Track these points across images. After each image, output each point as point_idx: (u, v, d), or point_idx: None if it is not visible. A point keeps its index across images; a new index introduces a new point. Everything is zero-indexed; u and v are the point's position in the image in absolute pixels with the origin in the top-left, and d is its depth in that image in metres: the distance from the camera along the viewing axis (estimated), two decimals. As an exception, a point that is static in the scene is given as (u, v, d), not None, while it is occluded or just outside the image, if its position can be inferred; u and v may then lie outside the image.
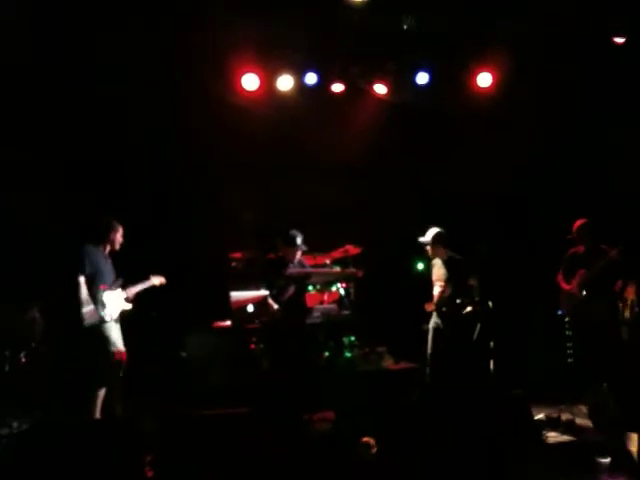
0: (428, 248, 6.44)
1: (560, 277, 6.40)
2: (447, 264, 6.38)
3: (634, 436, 5.05)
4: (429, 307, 6.33)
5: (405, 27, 7.18)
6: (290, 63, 7.51)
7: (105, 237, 5.83)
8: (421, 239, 6.45)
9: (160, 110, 7.25)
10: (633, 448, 5.03)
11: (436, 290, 6.41)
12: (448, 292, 6.31)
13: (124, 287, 5.82)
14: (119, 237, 5.89)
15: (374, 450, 4.81)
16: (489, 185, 7.85)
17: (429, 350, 6.38)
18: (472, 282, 6.28)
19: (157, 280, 6.04)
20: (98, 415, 5.55)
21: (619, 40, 7.52)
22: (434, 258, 6.48)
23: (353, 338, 6.85)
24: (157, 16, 6.51)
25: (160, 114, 7.25)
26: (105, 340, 5.62)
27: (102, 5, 6.32)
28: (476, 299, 6.18)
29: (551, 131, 7.77)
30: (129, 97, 6.99)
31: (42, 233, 6.83)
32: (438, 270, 6.44)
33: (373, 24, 7.15)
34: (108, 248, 5.86)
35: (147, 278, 5.98)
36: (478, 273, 6.36)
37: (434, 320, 6.40)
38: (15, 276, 6.34)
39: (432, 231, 6.43)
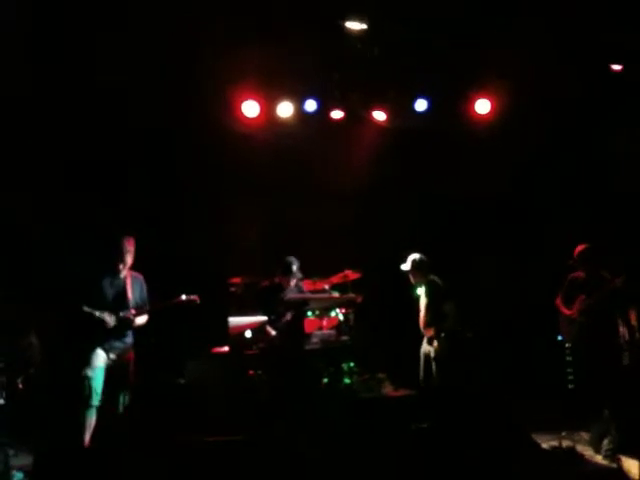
0: (410, 275, 6.57)
1: (559, 302, 6.37)
2: (427, 290, 6.49)
3: (635, 462, 5.01)
4: (429, 332, 6.33)
5: None
6: (290, 90, 7.60)
7: (115, 258, 5.64)
8: (402, 266, 6.60)
9: (161, 134, 7.33)
10: (634, 475, 4.99)
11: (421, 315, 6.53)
12: (427, 317, 6.42)
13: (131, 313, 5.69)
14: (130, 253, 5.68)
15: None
16: (490, 209, 7.90)
17: (421, 377, 6.42)
18: (447, 309, 6.35)
19: (186, 297, 5.80)
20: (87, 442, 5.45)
21: (616, 67, 7.61)
22: (415, 284, 6.61)
23: (352, 364, 6.81)
24: (159, 41, 6.59)
25: (161, 138, 7.31)
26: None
27: (104, 20, 6.38)
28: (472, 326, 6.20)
29: (550, 155, 7.82)
30: (130, 118, 7.07)
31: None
32: (422, 296, 6.57)
33: (372, 52, 7.24)
34: (122, 268, 5.66)
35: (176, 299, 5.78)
36: (453, 299, 6.43)
37: (424, 346, 6.47)
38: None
39: (411, 257, 6.58)
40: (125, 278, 5.72)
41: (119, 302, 5.66)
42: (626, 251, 6.82)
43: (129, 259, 5.71)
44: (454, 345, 6.23)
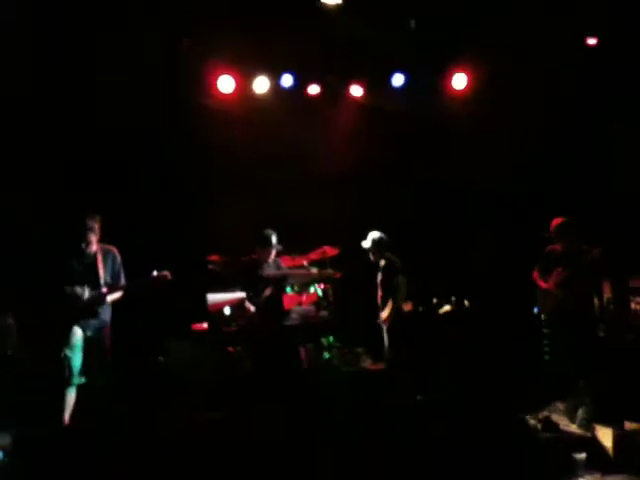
0: (369, 252, 6.68)
1: (536, 275, 6.43)
2: (384, 267, 6.61)
3: (609, 431, 5.12)
4: (407, 307, 6.41)
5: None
6: (266, 65, 7.52)
7: (82, 235, 5.53)
8: (362, 244, 6.69)
9: (136, 112, 7.22)
10: (608, 443, 5.09)
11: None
12: (382, 293, 6.58)
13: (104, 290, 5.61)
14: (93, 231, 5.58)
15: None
16: (466, 185, 7.92)
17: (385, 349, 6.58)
18: (400, 285, 6.50)
19: (157, 273, 5.70)
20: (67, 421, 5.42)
21: (592, 41, 7.64)
22: (375, 261, 6.70)
23: (332, 339, 6.87)
24: (131, 18, 6.49)
25: (136, 116, 7.20)
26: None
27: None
28: (452, 298, 6.27)
29: (529, 131, 7.83)
30: (102, 98, 6.97)
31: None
32: (379, 272, 6.69)
33: (348, 27, 7.18)
34: (85, 246, 5.54)
35: (147, 276, 5.69)
36: (406, 276, 6.56)
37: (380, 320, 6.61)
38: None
39: (371, 236, 6.68)
40: (95, 254, 5.62)
41: (90, 279, 5.57)
42: (600, 224, 6.92)
43: (93, 237, 5.58)
44: (407, 319, 6.34)
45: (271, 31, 6.97)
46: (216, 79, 7.45)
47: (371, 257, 6.71)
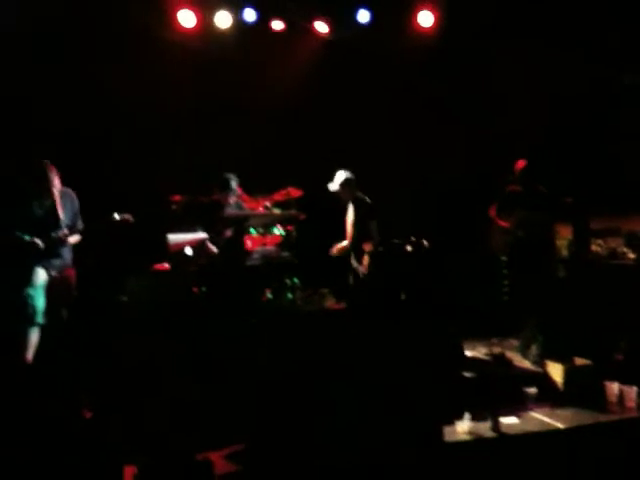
0: (339, 193, 6.70)
1: (494, 213, 6.47)
2: (354, 207, 6.62)
3: (559, 366, 5.29)
4: (367, 247, 6.45)
5: None
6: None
7: (41, 178, 5.49)
8: (330, 186, 6.69)
9: (92, 49, 7.00)
10: (557, 378, 5.27)
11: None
12: (353, 234, 6.58)
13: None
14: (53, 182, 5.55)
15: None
16: (429, 125, 7.86)
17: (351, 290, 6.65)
18: (371, 226, 6.54)
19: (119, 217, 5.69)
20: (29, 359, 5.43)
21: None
22: (344, 201, 6.72)
23: (296, 280, 6.88)
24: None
25: (91, 53, 6.98)
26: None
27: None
28: (412, 238, 6.30)
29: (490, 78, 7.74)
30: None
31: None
32: (350, 213, 6.70)
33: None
34: (48, 188, 5.50)
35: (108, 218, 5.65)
36: (377, 217, 6.60)
37: (353, 262, 6.72)
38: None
39: (339, 176, 6.67)
40: (54, 196, 5.57)
41: (50, 222, 5.55)
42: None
43: (57, 182, 5.58)
44: (380, 260, 6.38)
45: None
46: (175, 12, 7.21)
47: (342, 198, 6.69)
